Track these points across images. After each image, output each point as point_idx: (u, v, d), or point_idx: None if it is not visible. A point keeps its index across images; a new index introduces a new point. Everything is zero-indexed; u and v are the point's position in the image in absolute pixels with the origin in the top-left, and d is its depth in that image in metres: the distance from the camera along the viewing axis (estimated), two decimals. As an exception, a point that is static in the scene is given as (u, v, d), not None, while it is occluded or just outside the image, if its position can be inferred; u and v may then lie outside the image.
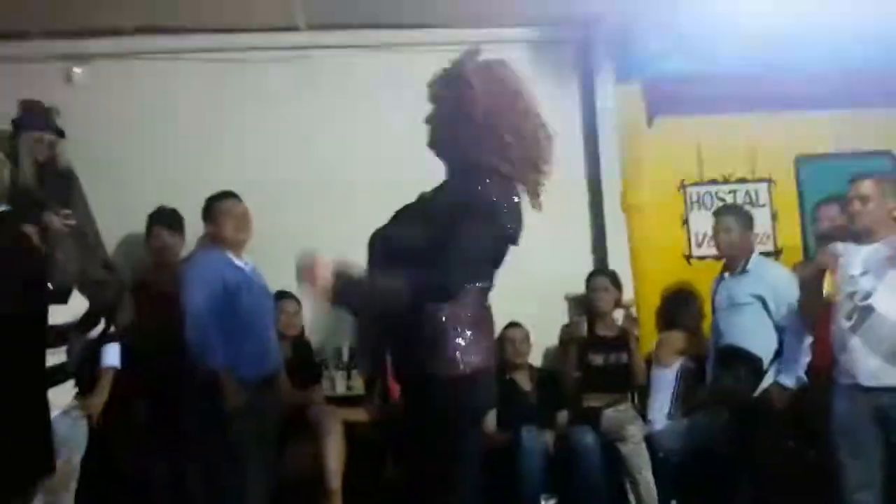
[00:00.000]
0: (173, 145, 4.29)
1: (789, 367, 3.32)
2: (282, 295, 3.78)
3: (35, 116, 3.83)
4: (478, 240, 1.92)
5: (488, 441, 3.78)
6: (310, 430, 3.53)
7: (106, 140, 4.18)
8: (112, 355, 3.16)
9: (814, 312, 3.21)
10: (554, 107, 4.41)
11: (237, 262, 3.35)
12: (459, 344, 1.97)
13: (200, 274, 3.22)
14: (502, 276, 4.00)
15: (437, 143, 2.09)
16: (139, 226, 4.01)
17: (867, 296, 2.92)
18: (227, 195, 3.43)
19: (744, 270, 3.53)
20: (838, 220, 3.49)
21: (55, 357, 2.89)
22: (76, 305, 3.03)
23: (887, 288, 2.88)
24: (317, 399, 3.68)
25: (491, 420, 3.89)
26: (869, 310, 2.90)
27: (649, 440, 3.81)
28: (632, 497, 3.68)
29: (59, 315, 2.93)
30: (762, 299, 3.42)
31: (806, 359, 3.33)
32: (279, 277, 3.86)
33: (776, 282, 3.42)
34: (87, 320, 3.05)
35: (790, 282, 3.41)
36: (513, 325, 4.11)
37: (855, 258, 3.01)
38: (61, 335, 2.92)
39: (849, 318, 2.96)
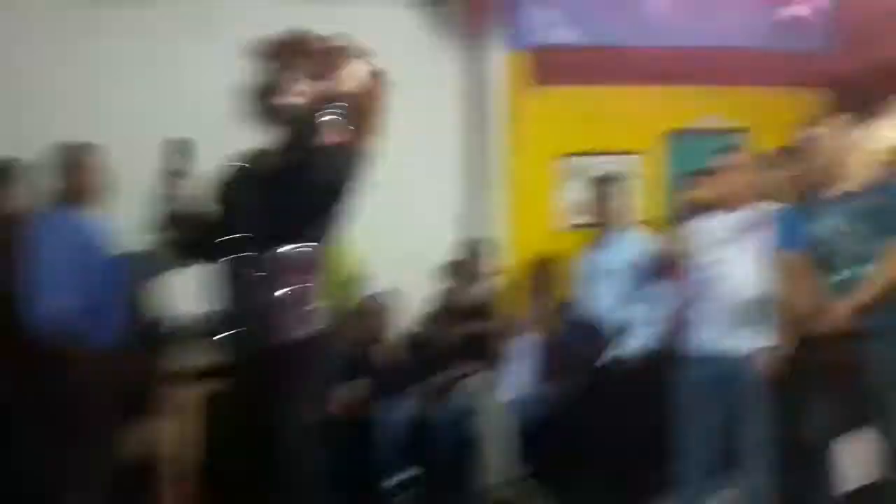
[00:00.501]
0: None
1: (643, 334, 3.40)
2: None
3: None
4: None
5: (348, 412, 3.78)
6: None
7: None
8: None
9: (666, 278, 3.31)
10: (438, 71, 4.49)
11: (89, 219, 3.09)
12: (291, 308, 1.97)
13: (50, 235, 2.95)
14: (376, 244, 3.98)
15: None
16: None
17: (718, 265, 3.02)
18: (81, 146, 3.12)
19: (613, 241, 3.58)
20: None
21: None
22: None
23: (734, 260, 3.00)
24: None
25: (352, 391, 3.86)
26: (717, 279, 3.01)
27: (508, 407, 3.84)
28: (490, 465, 3.70)
29: None
30: (625, 271, 3.48)
31: (658, 328, 3.41)
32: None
33: (639, 254, 3.49)
34: None
35: (650, 251, 3.49)
36: (381, 293, 4.04)
37: (709, 228, 3.10)
38: None
39: (698, 286, 3.06)
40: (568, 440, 3.71)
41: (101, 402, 2.94)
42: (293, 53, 2.08)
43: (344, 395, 3.79)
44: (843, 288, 2.76)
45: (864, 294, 2.70)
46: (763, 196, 3.13)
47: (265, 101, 2.06)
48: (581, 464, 3.59)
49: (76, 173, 3.09)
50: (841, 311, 2.71)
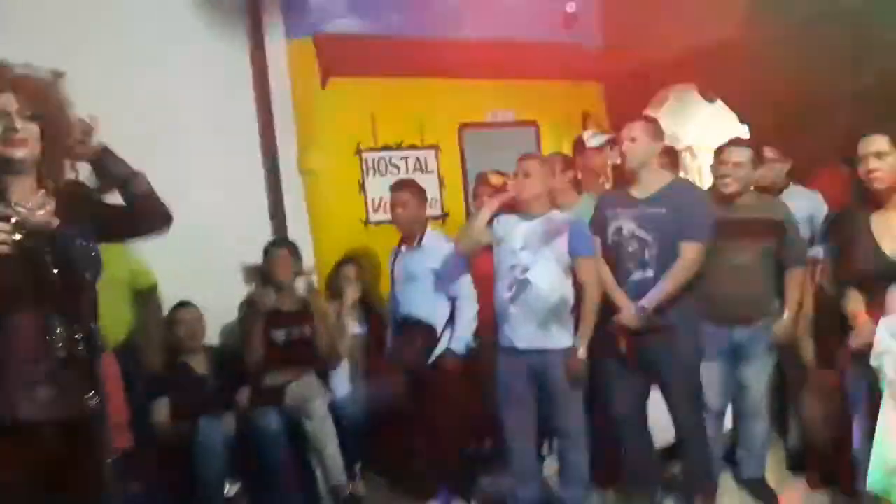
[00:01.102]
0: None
1: (459, 334, 3.56)
2: None
3: None
4: None
5: (163, 430, 3.54)
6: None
7: None
8: None
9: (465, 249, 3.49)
10: (224, 62, 4.22)
11: None
12: None
13: None
14: (175, 252, 3.71)
15: None
16: None
17: (525, 269, 3.24)
18: None
19: (419, 245, 3.67)
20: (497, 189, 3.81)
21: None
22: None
23: (542, 263, 3.22)
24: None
25: (164, 410, 3.61)
26: (526, 282, 3.23)
27: (332, 407, 3.84)
28: (318, 470, 3.69)
29: None
30: (436, 272, 3.60)
31: (474, 325, 3.60)
32: None
33: (448, 256, 3.61)
34: None
35: (456, 256, 3.63)
36: (183, 304, 3.80)
37: (516, 232, 3.30)
38: None
39: (509, 289, 3.27)
40: (396, 431, 3.85)
41: None
42: None
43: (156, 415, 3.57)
44: (634, 289, 3.13)
45: (655, 295, 3.07)
46: (554, 201, 3.39)
47: None
48: (410, 452, 3.77)
49: None
50: (632, 310, 3.08)
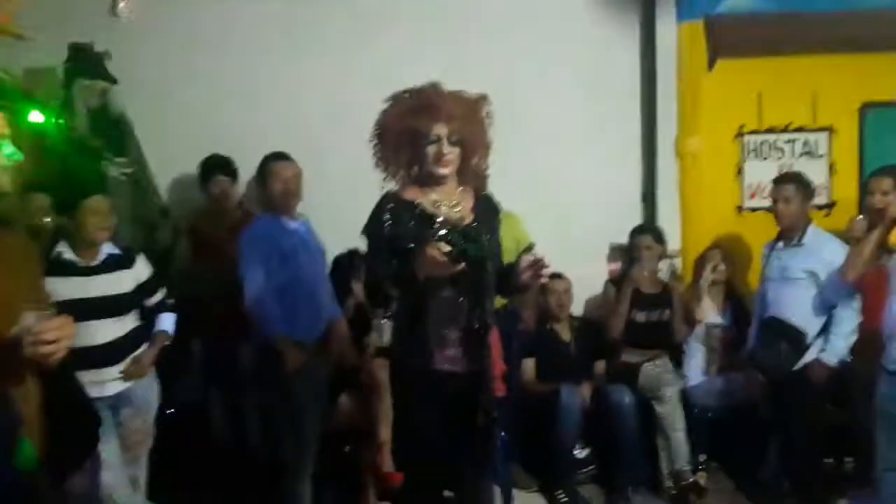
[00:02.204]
0: (223, 85, 4.23)
1: (834, 345, 3.34)
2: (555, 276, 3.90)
3: (87, 62, 3.80)
4: None
5: (529, 388, 4.00)
6: (362, 383, 3.69)
7: (152, 79, 4.14)
8: (167, 321, 3.24)
9: (857, 276, 3.21)
10: (614, 46, 4.40)
11: (291, 224, 3.34)
12: None
13: (256, 245, 3.23)
14: (548, 225, 4.08)
15: None
16: (187, 168, 4.07)
17: (918, 289, 2.90)
18: (279, 156, 3.38)
19: (799, 243, 3.47)
20: (891, 194, 3.39)
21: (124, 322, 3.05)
22: (140, 270, 3.14)
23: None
24: (366, 359, 3.77)
25: (532, 369, 4.06)
26: (921, 302, 2.89)
27: (684, 395, 3.92)
28: (663, 452, 3.83)
29: (126, 281, 3.07)
30: (815, 274, 3.39)
31: (852, 339, 3.34)
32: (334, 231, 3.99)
33: (832, 258, 3.37)
34: (149, 285, 3.15)
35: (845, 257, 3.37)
36: (556, 275, 4.15)
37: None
38: (129, 302, 3.05)
39: (898, 306, 2.95)
40: (746, 428, 3.80)
41: (310, 385, 3.25)
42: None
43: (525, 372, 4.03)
44: None
45: None
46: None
47: None
48: (758, 452, 3.71)
49: (274, 182, 3.29)
50: None
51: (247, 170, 3.86)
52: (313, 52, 4.27)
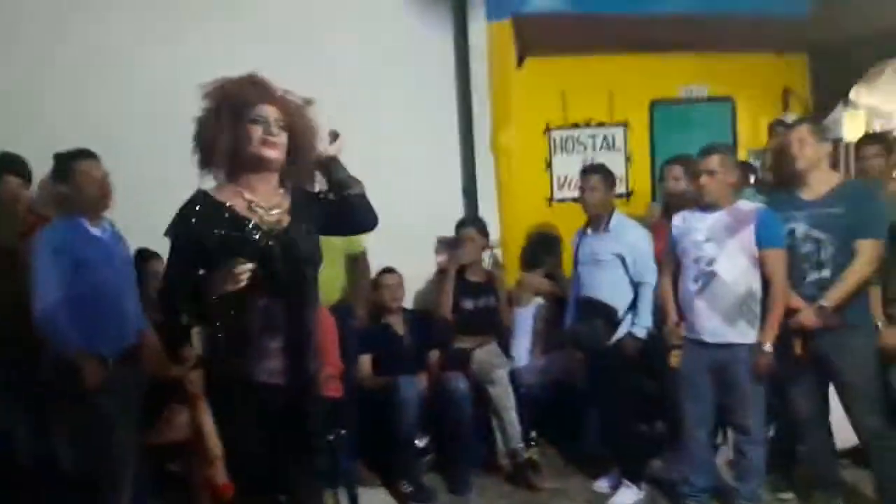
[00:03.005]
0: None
1: (642, 319, 3.66)
2: (147, 255, 3.60)
3: None
4: None
5: (367, 384, 3.99)
6: (189, 394, 3.48)
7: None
8: None
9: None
10: (429, 45, 4.50)
11: (94, 230, 3.07)
12: None
13: (52, 250, 2.93)
14: (381, 222, 4.08)
15: None
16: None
17: (711, 262, 3.27)
18: (86, 154, 3.08)
19: (606, 229, 3.76)
20: (682, 181, 3.83)
21: None
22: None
23: (728, 254, 3.24)
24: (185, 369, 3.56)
25: (368, 365, 4.06)
26: (712, 274, 3.26)
27: (512, 376, 4.11)
28: (498, 433, 3.99)
29: None
30: (621, 257, 3.69)
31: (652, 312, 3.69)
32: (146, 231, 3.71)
33: (634, 241, 3.69)
34: None
35: (647, 241, 3.72)
36: (387, 270, 4.19)
37: (700, 226, 3.33)
38: None
39: (695, 281, 3.32)
40: (569, 404, 4.07)
41: (117, 400, 3.03)
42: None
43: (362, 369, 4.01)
44: (811, 289, 3.12)
45: (836, 293, 3.05)
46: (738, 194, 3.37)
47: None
48: (582, 424, 4.01)
49: (76, 182, 3.03)
50: (811, 311, 3.09)
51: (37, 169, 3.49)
52: (101, 46, 3.95)
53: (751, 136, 5.05)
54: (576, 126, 4.85)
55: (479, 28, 4.57)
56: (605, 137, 4.90)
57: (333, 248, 3.78)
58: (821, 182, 3.18)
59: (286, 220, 2.26)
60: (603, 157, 4.69)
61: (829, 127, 4.40)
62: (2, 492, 3.20)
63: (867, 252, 3.07)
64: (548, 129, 4.80)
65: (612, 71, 4.81)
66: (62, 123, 3.70)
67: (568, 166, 4.71)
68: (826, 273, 3.11)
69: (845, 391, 3.16)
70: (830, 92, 4.97)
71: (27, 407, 3.39)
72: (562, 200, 4.77)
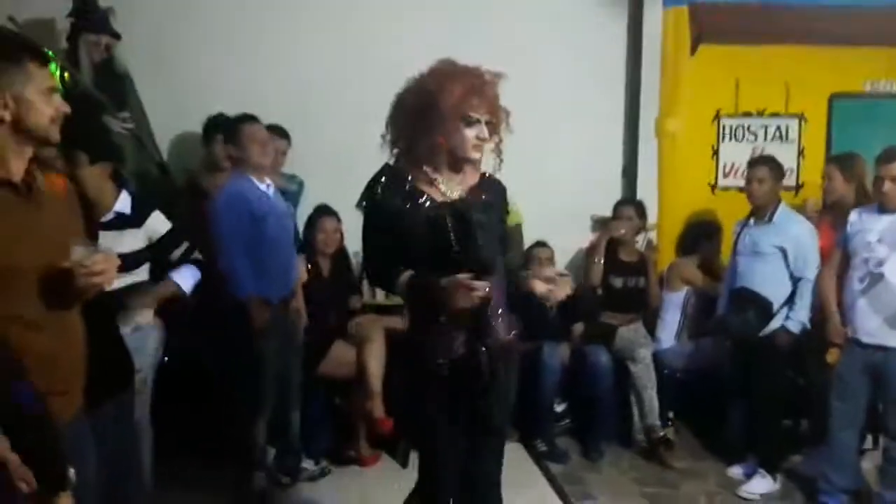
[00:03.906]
0: (221, 44, 4.31)
1: (798, 314, 3.62)
2: (320, 211, 3.99)
3: (92, 17, 3.85)
4: None
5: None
6: (354, 336, 3.88)
7: (155, 38, 4.21)
8: (180, 275, 3.13)
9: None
10: (602, 27, 4.60)
11: (261, 187, 3.43)
12: None
13: (230, 204, 3.33)
14: (533, 197, 4.28)
15: None
16: (188, 126, 4.17)
17: (880, 263, 3.20)
18: (250, 118, 3.47)
19: (770, 220, 3.73)
20: (837, 181, 3.75)
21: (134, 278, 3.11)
22: (154, 227, 3.15)
23: (891, 260, 3.15)
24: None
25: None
26: (879, 276, 3.20)
27: (656, 357, 4.19)
28: (635, 409, 4.10)
29: (135, 239, 3.09)
30: (783, 250, 3.65)
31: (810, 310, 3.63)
32: (321, 190, 4.14)
33: (798, 235, 3.65)
34: (164, 242, 3.14)
35: (811, 236, 3.66)
36: (539, 244, 4.37)
37: (875, 226, 3.25)
38: (136, 259, 3.08)
39: (861, 280, 3.26)
40: (713, 391, 4.09)
41: (276, 341, 3.41)
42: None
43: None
44: None
45: None
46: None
47: None
48: (723, 413, 4.01)
49: (242, 143, 3.38)
50: None
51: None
52: (315, 18, 4.37)
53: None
54: (747, 115, 4.76)
55: (655, 13, 4.59)
56: (777, 128, 4.76)
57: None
58: None
59: (472, 195, 2.27)
60: (774, 148, 4.56)
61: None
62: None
63: None
64: (717, 117, 4.74)
65: (790, 62, 4.65)
66: (271, 89, 4.17)
67: (736, 154, 4.64)
68: None
69: None
70: None
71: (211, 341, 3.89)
72: (726, 188, 4.71)
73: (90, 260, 1.76)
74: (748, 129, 4.76)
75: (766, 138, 4.76)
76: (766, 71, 4.68)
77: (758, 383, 3.71)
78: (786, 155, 4.53)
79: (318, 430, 3.84)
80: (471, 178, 2.31)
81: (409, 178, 2.24)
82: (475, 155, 2.23)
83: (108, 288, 1.86)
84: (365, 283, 4.23)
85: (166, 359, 3.34)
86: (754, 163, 3.84)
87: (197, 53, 4.23)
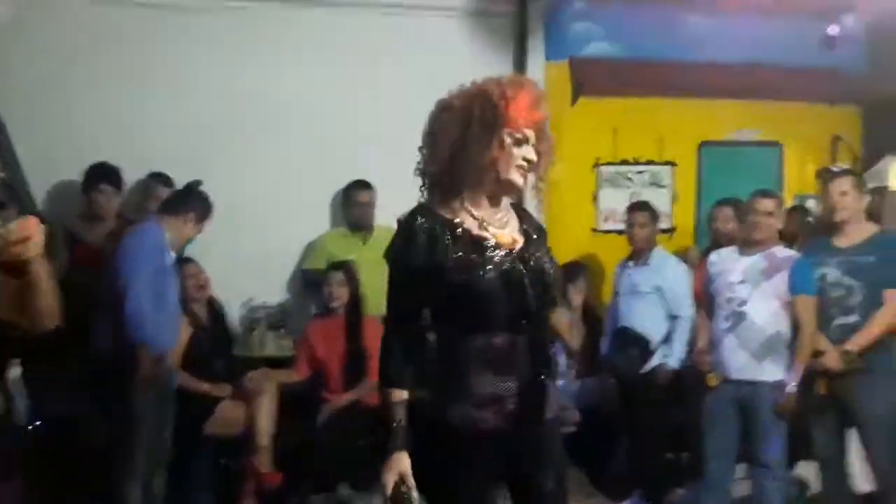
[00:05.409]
0: (102, 91, 4.21)
1: (675, 351, 3.83)
2: (185, 260, 3.86)
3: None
4: None
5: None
6: (245, 391, 3.79)
7: (28, 85, 4.05)
8: None
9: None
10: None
11: (158, 231, 3.41)
12: None
13: (146, 249, 3.29)
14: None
15: None
16: (63, 175, 4.05)
17: (742, 303, 3.42)
18: (204, 199, 3.51)
19: (646, 262, 3.96)
20: (730, 223, 3.99)
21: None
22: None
23: (760, 297, 3.38)
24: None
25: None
26: (742, 315, 3.41)
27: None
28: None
29: None
30: (659, 290, 3.88)
31: (686, 347, 3.85)
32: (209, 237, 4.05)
33: (674, 276, 3.89)
34: None
35: (685, 276, 3.90)
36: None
37: (736, 266, 3.49)
38: None
39: (726, 319, 3.47)
40: (600, 427, 4.22)
41: (156, 391, 3.33)
42: None
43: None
44: (837, 333, 3.25)
45: (861, 339, 3.18)
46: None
47: None
48: (612, 447, 4.15)
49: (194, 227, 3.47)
50: (835, 354, 3.21)
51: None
52: (198, 68, 4.33)
53: (798, 181, 5.16)
54: (625, 162, 5.05)
55: (537, 66, 4.82)
56: (652, 174, 5.08)
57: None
58: (857, 231, 3.31)
59: (521, 240, 1.94)
60: (649, 194, 4.86)
61: (877, 175, 4.49)
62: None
63: (895, 302, 3.18)
64: (597, 164, 5.02)
65: (663, 113, 5.01)
66: (157, 135, 4.12)
67: (613, 200, 4.91)
68: (853, 318, 3.24)
69: (864, 435, 3.27)
70: (881, 142, 5.04)
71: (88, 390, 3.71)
72: (607, 232, 4.96)
73: (5, 230, 1.60)
74: (625, 175, 5.05)
75: (641, 184, 5.06)
76: (640, 121, 5.01)
77: (640, 418, 3.88)
78: (660, 200, 4.84)
79: (201, 493, 3.70)
80: (507, 214, 1.96)
81: (455, 220, 1.85)
82: (518, 180, 1.89)
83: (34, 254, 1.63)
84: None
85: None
86: (634, 208, 4.07)
87: (72, 100, 4.11)
